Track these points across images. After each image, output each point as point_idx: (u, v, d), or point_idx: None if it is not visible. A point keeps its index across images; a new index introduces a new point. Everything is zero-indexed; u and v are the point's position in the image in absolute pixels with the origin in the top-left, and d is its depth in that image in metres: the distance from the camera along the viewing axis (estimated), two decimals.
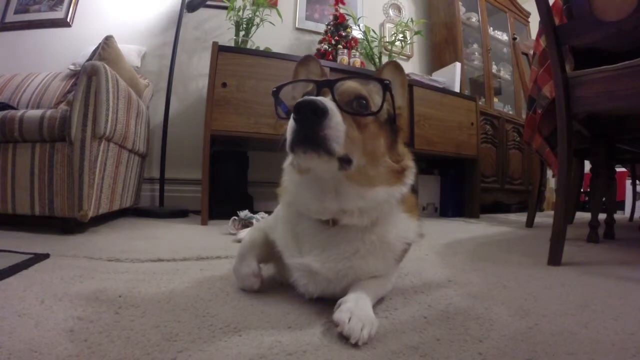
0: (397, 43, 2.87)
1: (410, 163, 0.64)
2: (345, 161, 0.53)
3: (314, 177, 0.58)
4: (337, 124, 0.50)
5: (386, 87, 0.57)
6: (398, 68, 0.69)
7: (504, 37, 3.64)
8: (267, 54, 2.07)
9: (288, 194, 0.64)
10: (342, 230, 0.60)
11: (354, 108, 0.56)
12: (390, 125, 0.63)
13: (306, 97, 0.49)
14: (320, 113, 0.48)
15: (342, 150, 0.51)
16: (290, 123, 0.50)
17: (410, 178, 0.63)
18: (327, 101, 0.50)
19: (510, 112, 3.53)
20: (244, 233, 1.36)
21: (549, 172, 3.17)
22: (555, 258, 1.05)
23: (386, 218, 0.62)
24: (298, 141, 0.50)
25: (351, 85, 0.59)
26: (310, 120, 0.48)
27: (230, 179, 2.19)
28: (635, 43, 1.00)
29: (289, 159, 0.64)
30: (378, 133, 0.59)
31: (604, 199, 1.68)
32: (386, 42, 3.00)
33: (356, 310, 0.52)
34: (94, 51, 1.79)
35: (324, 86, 0.56)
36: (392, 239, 0.62)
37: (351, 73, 2.25)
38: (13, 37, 2.51)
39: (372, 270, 0.61)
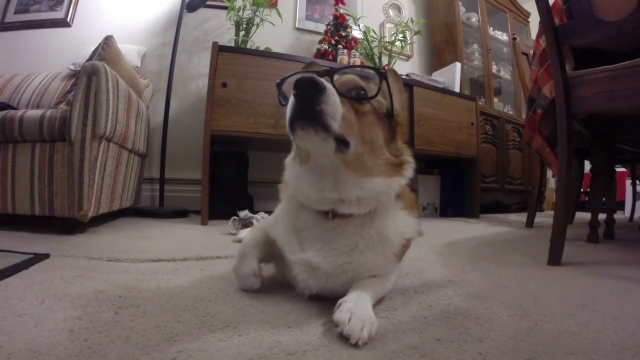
0: (397, 43, 2.87)
1: (408, 158, 0.65)
2: (342, 143, 0.55)
3: (313, 165, 0.60)
4: (334, 102, 0.52)
5: (382, 75, 0.60)
6: (396, 75, 0.71)
7: (504, 37, 3.64)
8: (267, 54, 2.07)
9: (289, 187, 0.66)
10: (342, 223, 0.61)
11: (352, 96, 0.59)
12: (389, 120, 0.65)
13: (305, 75, 0.51)
14: (318, 88, 0.51)
15: (338, 129, 0.53)
16: (290, 100, 0.52)
17: (408, 172, 0.64)
18: (325, 81, 0.53)
19: (510, 112, 3.53)
20: (244, 233, 1.36)
21: (549, 172, 3.17)
22: (555, 258, 1.05)
23: (384, 212, 0.63)
24: (296, 117, 0.52)
25: (351, 77, 0.62)
26: (309, 94, 0.50)
27: (230, 179, 2.19)
28: (635, 43, 1.00)
29: (291, 154, 0.67)
30: (376, 123, 0.61)
31: (604, 199, 1.68)
32: (386, 42, 3.00)
33: (356, 310, 0.52)
34: (94, 51, 1.79)
35: (325, 76, 0.58)
36: (391, 234, 0.63)
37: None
38: (13, 37, 2.51)
39: (371, 266, 0.62)
